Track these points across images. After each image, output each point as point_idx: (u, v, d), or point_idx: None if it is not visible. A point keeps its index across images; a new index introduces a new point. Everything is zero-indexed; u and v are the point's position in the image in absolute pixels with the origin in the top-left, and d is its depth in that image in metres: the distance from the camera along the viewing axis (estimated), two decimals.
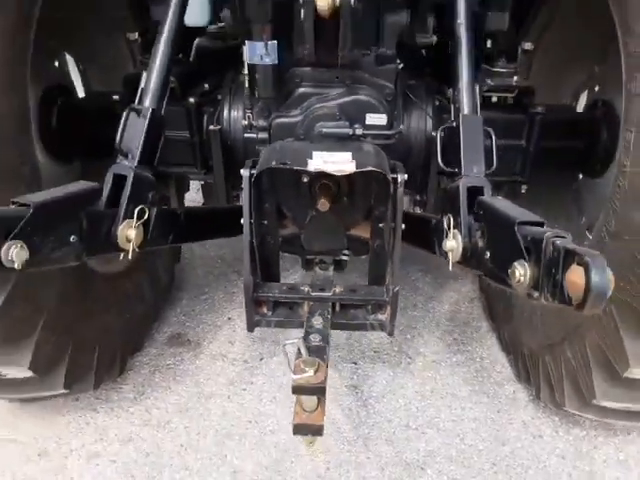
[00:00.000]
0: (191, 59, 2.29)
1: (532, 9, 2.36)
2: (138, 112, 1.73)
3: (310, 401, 1.51)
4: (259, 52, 1.89)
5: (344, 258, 2.20)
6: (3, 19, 1.55)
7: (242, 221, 1.76)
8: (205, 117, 2.21)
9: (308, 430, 1.52)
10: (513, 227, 1.25)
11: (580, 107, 2.54)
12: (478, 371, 2.59)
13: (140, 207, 1.60)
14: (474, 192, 1.55)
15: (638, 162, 1.61)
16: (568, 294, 1.06)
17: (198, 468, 2.11)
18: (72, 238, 1.44)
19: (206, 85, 2.23)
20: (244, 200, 1.75)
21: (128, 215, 1.59)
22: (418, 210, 2.50)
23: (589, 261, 1.00)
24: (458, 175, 1.65)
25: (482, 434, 2.27)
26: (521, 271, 1.20)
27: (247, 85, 2.07)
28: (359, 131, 1.96)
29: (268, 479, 2.07)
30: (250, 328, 1.87)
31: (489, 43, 2.25)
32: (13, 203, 1.33)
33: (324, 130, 1.97)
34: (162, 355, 2.65)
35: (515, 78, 2.23)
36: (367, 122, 2.05)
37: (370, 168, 1.68)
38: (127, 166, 1.65)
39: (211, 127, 2.16)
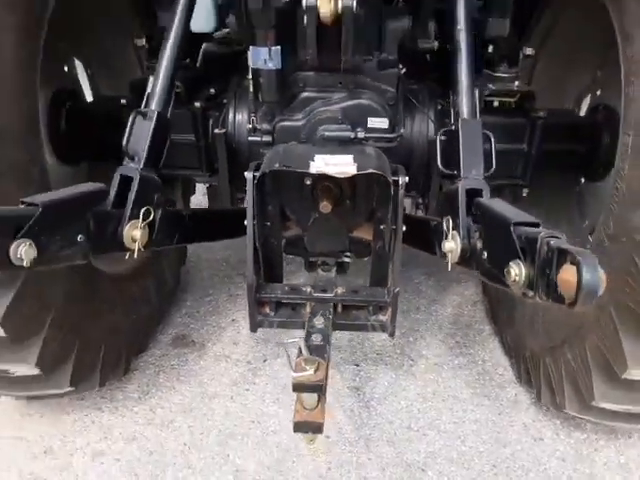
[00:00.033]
0: (198, 64, 2.33)
1: (534, 15, 2.39)
2: (144, 115, 1.77)
3: (310, 399, 1.53)
4: (263, 57, 1.93)
5: (347, 260, 2.23)
6: (15, 27, 1.59)
7: (246, 223, 1.79)
8: (210, 121, 2.25)
9: (308, 428, 1.55)
10: (509, 228, 1.27)
11: (583, 112, 2.56)
12: (480, 374, 2.60)
13: (146, 208, 1.64)
14: (473, 194, 1.58)
15: (636, 165, 1.63)
16: (561, 292, 1.08)
17: (201, 467, 2.13)
18: (79, 237, 1.48)
19: (212, 89, 2.27)
20: (248, 202, 1.78)
21: (134, 216, 1.63)
22: (420, 213, 2.52)
23: (580, 260, 1.02)
24: (457, 177, 1.67)
25: (483, 436, 2.28)
26: (516, 270, 1.22)
27: (251, 89, 2.10)
28: (361, 134, 1.99)
29: (270, 479, 2.09)
30: (253, 328, 1.89)
31: (491, 48, 2.27)
32: (22, 203, 1.37)
33: (327, 133, 2.00)
34: (167, 356, 2.68)
35: (517, 83, 2.25)
36: (369, 126, 2.08)
37: (371, 170, 1.70)
38: (133, 168, 1.70)
39: (216, 130, 2.20)
